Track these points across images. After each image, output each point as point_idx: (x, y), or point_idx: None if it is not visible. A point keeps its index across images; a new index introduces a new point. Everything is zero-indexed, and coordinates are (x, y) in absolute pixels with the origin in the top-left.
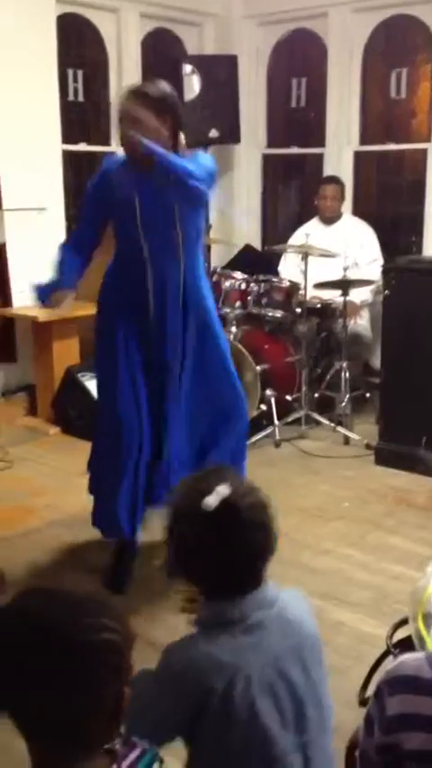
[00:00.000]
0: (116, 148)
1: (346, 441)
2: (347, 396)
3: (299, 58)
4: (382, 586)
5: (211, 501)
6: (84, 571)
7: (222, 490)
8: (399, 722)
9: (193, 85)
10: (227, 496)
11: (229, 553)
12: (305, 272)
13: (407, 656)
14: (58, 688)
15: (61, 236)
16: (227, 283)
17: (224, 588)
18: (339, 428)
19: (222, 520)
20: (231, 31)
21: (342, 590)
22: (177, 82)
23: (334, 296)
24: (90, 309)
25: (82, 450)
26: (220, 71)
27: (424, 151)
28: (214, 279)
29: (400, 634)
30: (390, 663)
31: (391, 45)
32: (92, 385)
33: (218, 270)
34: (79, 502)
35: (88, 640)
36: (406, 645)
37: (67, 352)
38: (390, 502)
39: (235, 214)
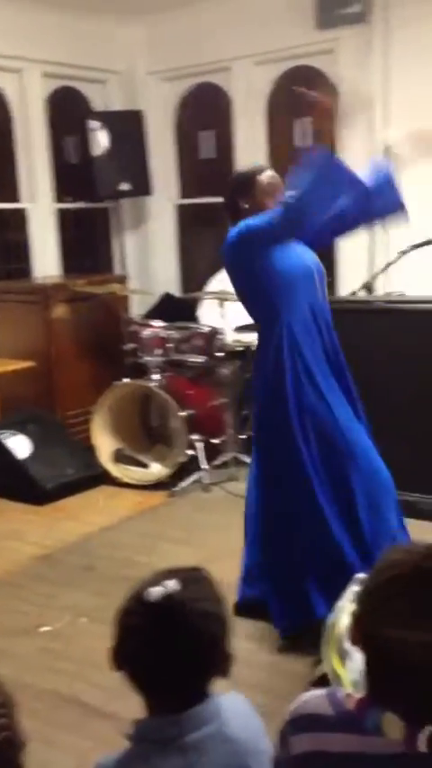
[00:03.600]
0: (26, 204)
1: None
2: None
3: (205, 110)
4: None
5: (155, 592)
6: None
7: (171, 585)
8: (304, 761)
9: (100, 141)
10: (174, 592)
11: (169, 656)
12: (224, 317)
13: (308, 695)
14: None
15: None
16: (146, 332)
17: (164, 699)
18: None
19: (163, 614)
20: (137, 87)
21: (272, 631)
22: (84, 138)
23: (254, 338)
24: (7, 366)
25: (6, 510)
26: (128, 126)
27: None
28: (132, 328)
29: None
30: (294, 703)
31: (293, 95)
32: (12, 442)
33: (137, 319)
34: (3, 565)
35: None
36: (325, 681)
37: None
38: None
39: (152, 264)
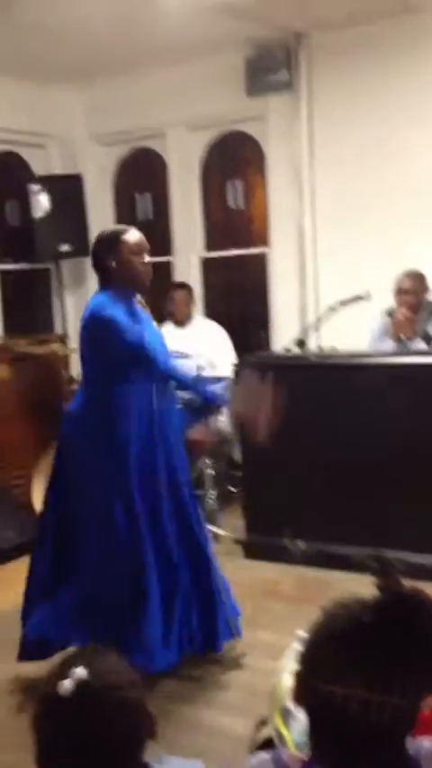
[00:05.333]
0: None
1: (216, 538)
2: (214, 492)
3: (142, 173)
4: (256, 685)
5: (66, 685)
6: None
7: (80, 672)
8: None
9: (41, 204)
10: (84, 678)
11: (99, 743)
12: None
13: (255, 759)
14: None
15: None
16: None
17: None
18: (208, 525)
19: (81, 705)
20: (76, 151)
21: (217, 694)
22: (25, 201)
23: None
24: None
25: None
26: (67, 189)
27: (263, 254)
28: (73, 387)
29: (268, 732)
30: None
31: (225, 159)
32: None
33: (77, 378)
34: None
35: None
36: (271, 744)
37: None
38: (259, 596)
39: None
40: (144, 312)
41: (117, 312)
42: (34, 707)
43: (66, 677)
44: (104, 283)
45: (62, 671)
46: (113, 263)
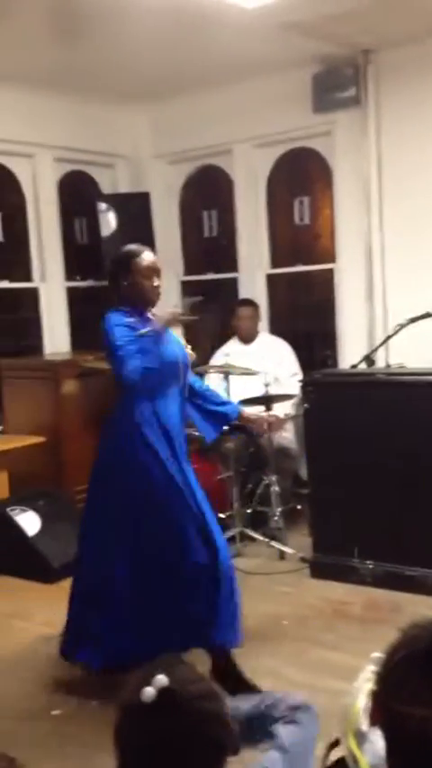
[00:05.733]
0: (38, 284)
1: (282, 555)
2: (279, 509)
3: (208, 191)
4: (326, 706)
5: (150, 691)
6: (11, 720)
7: (161, 679)
8: None
9: (109, 222)
10: (167, 686)
11: (183, 754)
12: (228, 390)
13: None
14: None
15: None
16: None
17: None
18: (273, 543)
19: (165, 711)
20: (143, 170)
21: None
22: (94, 219)
23: (258, 411)
24: (18, 442)
25: (14, 589)
26: (135, 207)
27: (331, 270)
28: None
29: (338, 753)
30: None
31: (292, 175)
32: (22, 519)
33: None
34: (10, 646)
35: None
36: (342, 765)
37: None
38: (328, 616)
39: None
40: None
41: (119, 321)
42: (117, 716)
43: (147, 685)
44: (117, 301)
45: (142, 680)
46: (125, 283)
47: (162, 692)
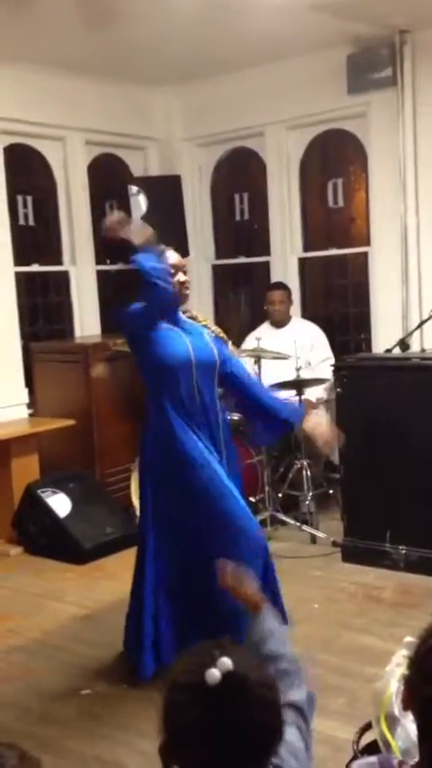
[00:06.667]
0: (68, 267)
1: (313, 539)
2: (311, 494)
3: (239, 174)
4: (357, 690)
5: (213, 675)
6: (42, 699)
7: (226, 662)
8: None
9: (140, 204)
10: (232, 669)
11: (231, 739)
12: (259, 374)
13: (360, 762)
14: None
15: (16, 356)
16: None
17: None
18: (305, 527)
19: (228, 696)
20: (174, 153)
21: (318, 699)
22: (125, 202)
23: (289, 396)
24: (49, 425)
25: (46, 569)
26: (166, 190)
27: (365, 254)
28: None
29: (369, 737)
30: None
31: (325, 158)
32: (53, 501)
33: None
34: (43, 626)
35: None
36: (373, 749)
37: (26, 469)
38: (359, 600)
39: None
40: (191, 323)
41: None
42: (170, 694)
43: (209, 666)
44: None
45: (201, 661)
46: None
47: (227, 675)
